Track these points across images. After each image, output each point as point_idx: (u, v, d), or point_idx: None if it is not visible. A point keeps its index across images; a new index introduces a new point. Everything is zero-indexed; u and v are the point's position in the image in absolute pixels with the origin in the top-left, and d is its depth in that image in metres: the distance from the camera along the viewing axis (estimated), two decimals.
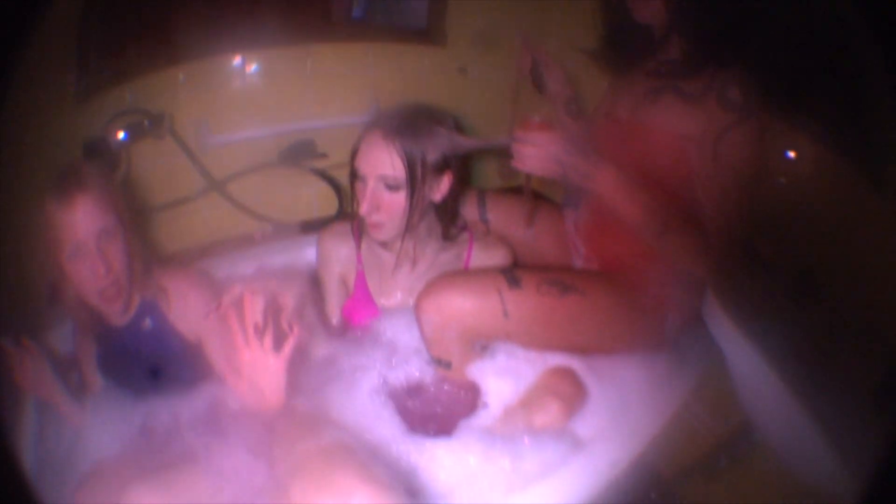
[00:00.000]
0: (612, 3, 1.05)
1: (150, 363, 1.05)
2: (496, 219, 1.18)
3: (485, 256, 1.09)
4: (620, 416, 0.97)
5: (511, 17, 1.35)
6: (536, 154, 0.88)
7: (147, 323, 1.05)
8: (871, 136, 1.15)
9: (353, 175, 1.00)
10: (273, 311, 0.87)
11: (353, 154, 1.00)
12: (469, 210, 1.18)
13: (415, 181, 0.97)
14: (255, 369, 0.85)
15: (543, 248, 1.19)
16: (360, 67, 1.33)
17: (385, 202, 0.98)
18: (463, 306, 0.93)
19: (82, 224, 0.88)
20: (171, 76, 1.25)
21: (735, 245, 1.08)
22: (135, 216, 1.10)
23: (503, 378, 0.99)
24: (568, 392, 0.96)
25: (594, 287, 1.01)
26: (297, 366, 0.92)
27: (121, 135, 1.19)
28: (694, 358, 1.10)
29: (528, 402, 0.95)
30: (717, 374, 1.25)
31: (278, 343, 0.85)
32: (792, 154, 1.18)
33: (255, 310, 0.84)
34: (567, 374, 0.98)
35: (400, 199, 0.97)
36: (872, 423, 0.99)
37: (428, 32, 1.36)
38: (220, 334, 0.94)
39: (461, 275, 1.01)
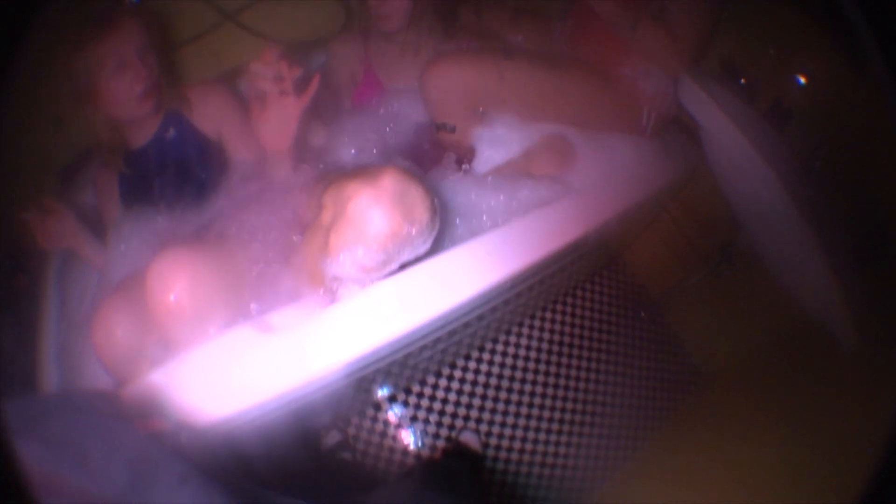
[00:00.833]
0: None
1: (176, 171, 1.14)
2: (492, 22, 1.27)
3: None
4: (610, 175, 1.08)
5: None
6: None
7: (171, 132, 1.14)
8: None
9: None
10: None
11: None
12: (468, 16, 1.28)
13: None
14: (276, 111, 0.93)
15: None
16: None
17: None
18: (464, 72, 1.04)
19: (125, 39, 1.00)
20: None
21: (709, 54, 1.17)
22: (161, 40, 1.20)
23: (501, 143, 1.09)
24: (563, 148, 1.07)
25: (579, 68, 1.11)
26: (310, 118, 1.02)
27: None
28: (676, 155, 1.19)
29: (527, 154, 1.06)
30: (701, 183, 1.33)
31: (299, 89, 0.94)
32: None
33: (278, 60, 0.93)
34: (562, 138, 1.09)
35: None
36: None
37: None
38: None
39: (462, 50, 1.12)
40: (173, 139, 1.15)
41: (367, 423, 1.27)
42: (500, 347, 1.31)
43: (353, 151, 1.06)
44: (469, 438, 1.25)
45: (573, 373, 1.35)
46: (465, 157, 1.07)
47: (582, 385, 1.35)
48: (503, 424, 1.27)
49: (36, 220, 1.05)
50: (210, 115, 1.14)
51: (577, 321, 1.39)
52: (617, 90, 1.11)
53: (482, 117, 1.08)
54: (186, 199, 1.16)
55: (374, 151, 1.07)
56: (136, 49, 1.01)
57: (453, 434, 1.25)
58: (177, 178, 1.15)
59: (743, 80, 1.36)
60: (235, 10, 1.34)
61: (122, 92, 1.02)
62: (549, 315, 1.36)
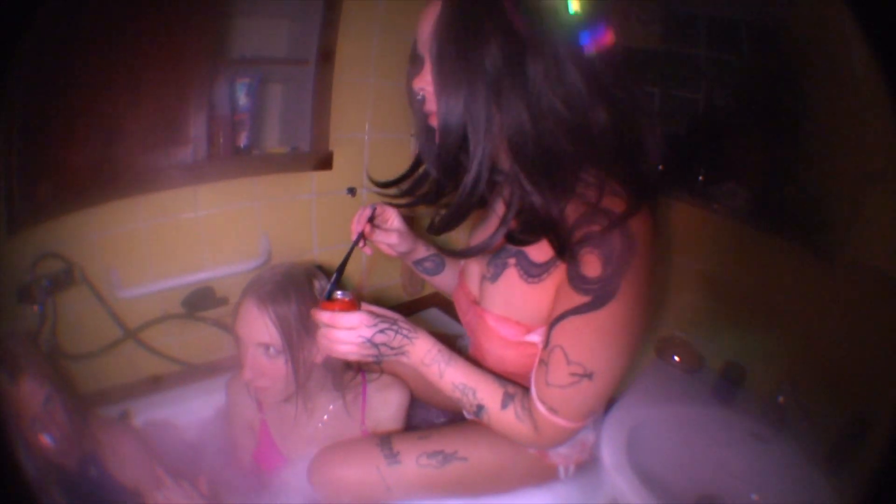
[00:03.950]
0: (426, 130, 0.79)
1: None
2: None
3: (380, 398, 1.10)
4: None
5: (395, 128, 1.32)
6: (346, 338, 0.76)
7: (93, 471, 1.13)
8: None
9: (236, 338, 1.01)
10: None
11: (233, 318, 1.01)
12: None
13: (292, 347, 0.97)
14: None
15: None
16: (248, 203, 1.33)
17: (266, 367, 0.99)
18: (348, 483, 0.95)
19: (29, 399, 0.99)
20: (79, 219, 1.26)
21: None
22: (65, 379, 1.19)
23: None
24: None
25: (478, 449, 0.99)
26: None
27: (44, 282, 1.24)
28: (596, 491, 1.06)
29: None
30: None
31: None
32: None
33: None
34: None
35: (280, 364, 0.98)
36: None
37: (313, 156, 1.34)
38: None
39: (343, 450, 1.00)
40: (96, 478, 1.13)
41: None
42: None
43: None
44: None
45: None
46: None
47: None
48: None
49: None
50: (122, 469, 1.12)
51: None
52: (521, 457, 1.00)
53: None
54: None
55: None
56: (42, 405, 1.00)
57: None
58: None
59: (677, 359, 1.26)
60: (136, 328, 1.29)
61: (40, 445, 1.01)
62: None
